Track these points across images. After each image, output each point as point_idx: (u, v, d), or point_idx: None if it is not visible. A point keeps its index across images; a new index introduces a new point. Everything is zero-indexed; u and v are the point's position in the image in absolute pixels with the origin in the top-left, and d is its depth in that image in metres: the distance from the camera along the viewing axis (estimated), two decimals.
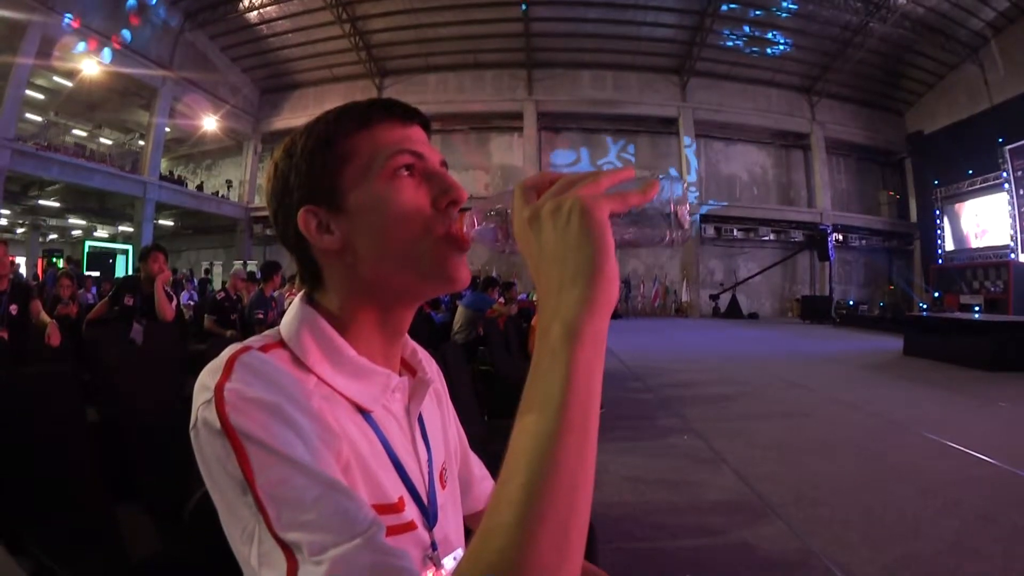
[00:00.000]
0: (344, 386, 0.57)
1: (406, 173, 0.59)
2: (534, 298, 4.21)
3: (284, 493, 0.46)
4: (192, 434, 0.50)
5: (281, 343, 0.58)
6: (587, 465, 0.40)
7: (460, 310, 6.09)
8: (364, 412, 0.59)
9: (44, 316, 3.82)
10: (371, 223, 0.58)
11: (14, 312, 3.60)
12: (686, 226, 0.47)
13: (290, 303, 0.64)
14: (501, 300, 6.88)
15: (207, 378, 0.51)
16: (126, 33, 17.12)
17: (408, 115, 0.63)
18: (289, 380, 0.52)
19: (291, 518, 0.45)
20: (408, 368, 0.70)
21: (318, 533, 0.44)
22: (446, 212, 0.60)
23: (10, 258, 3.85)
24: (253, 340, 0.58)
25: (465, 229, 0.57)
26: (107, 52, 16.74)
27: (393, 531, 0.55)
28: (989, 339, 8.09)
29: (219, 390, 0.49)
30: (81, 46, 15.99)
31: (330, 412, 0.54)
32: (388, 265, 0.58)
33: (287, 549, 0.44)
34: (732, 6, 19.03)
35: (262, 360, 0.53)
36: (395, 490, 0.58)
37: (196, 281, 16.15)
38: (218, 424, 0.47)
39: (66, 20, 15.15)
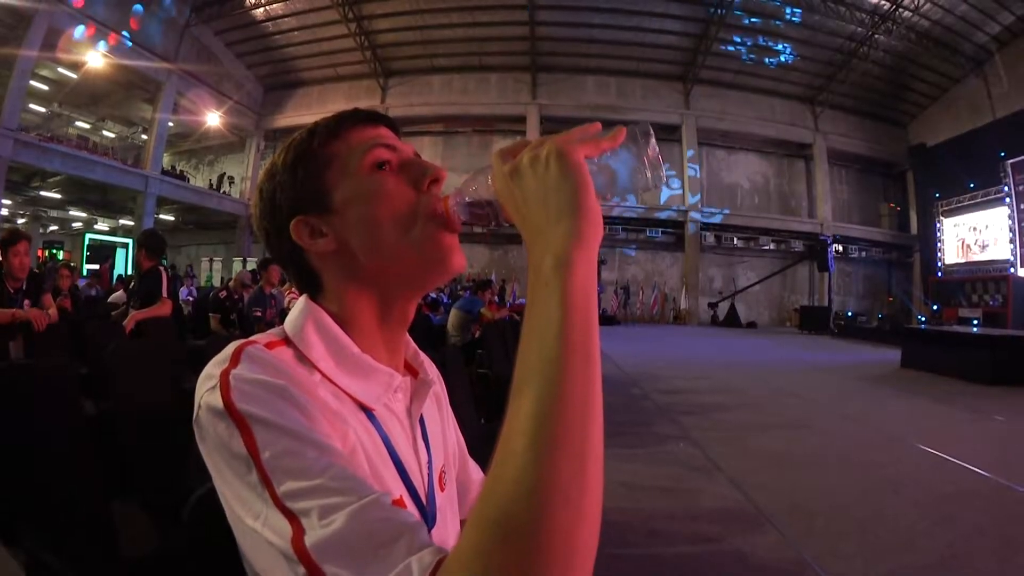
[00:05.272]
0: (347, 384, 0.58)
1: (384, 166, 0.62)
2: None
3: (290, 464, 0.45)
4: (195, 426, 0.50)
5: (285, 340, 0.59)
6: (594, 389, 0.40)
7: (453, 312, 6.15)
8: (367, 410, 0.59)
9: (53, 311, 3.84)
10: (360, 216, 0.60)
11: (27, 307, 3.62)
12: (660, 169, 0.50)
13: (290, 301, 0.65)
14: (495, 302, 6.94)
15: (212, 368, 0.51)
16: (138, 8, 16.97)
17: (375, 119, 0.66)
18: (295, 372, 0.53)
19: (298, 487, 0.43)
20: (410, 369, 0.70)
21: (329, 497, 0.43)
22: (429, 192, 0.62)
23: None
24: (258, 337, 0.58)
25: (451, 208, 0.59)
26: (126, 36, 16.69)
27: None
28: (987, 353, 8.05)
29: (224, 376, 0.50)
30: (102, 45, 15.99)
31: (335, 405, 0.55)
32: (385, 255, 0.60)
33: (294, 518, 0.42)
34: (739, 14, 19.04)
35: (268, 353, 0.54)
36: (395, 488, 0.58)
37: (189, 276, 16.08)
38: (221, 405, 0.48)
39: (79, 30, 15.13)
